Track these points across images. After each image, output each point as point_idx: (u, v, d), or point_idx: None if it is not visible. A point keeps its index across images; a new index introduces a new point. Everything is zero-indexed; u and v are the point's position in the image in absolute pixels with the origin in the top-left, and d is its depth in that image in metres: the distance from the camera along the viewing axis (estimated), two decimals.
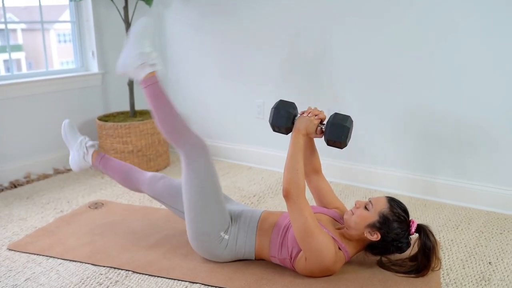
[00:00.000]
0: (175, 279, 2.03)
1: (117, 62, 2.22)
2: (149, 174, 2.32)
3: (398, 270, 2.01)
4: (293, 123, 2.05)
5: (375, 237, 1.92)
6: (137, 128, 3.34)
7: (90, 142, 2.43)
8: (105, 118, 3.54)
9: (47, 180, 3.33)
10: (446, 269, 2.09)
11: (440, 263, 2.01)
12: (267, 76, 3.42)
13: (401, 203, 1.98)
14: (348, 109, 3.03)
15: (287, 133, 2.09)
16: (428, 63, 2.77)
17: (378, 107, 3.00)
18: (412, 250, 2.00)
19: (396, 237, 1.92)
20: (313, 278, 1.97)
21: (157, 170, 3.49)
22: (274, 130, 2.11)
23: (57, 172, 3.48)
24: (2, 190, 3.12)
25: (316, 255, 1.89)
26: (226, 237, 2.06)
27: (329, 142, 2.00)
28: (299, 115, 2.05)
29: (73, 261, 2.20)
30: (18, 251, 2.30)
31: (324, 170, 2.29)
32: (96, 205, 2.85)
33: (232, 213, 2.15)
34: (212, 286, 1.97)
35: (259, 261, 2.12)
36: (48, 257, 2.24)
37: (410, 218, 1.96)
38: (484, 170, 2.72)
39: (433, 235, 1.95)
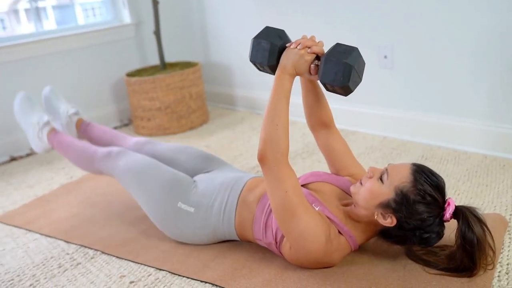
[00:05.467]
0: (141, 264, 1.65)
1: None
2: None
3: (431, 262, 1.41)
4: (279, 59, 1.50)
5: (389, 221, 1.35)
6: (163, 82, 2.96)
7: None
8: (135, 73, 3.21)
9: None
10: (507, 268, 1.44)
11: (493, 261, 1.36)
12: None
13: (433, 174, 1.35)
14: (400, 35, 2.35)
15: (274, 73, 1.54)
16: None
17: (446, 31, 2.27)
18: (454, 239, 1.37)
19: (420, 225, 1.32)
20: (308, 269, 1.46)
21: (190, 129, 3.11)
22: (258, 70, 1.57)
23: None
24: (22, 157, 2.94)
25: (299, 243, 1.37)
26: (191, 209, 1.62)
27: (327, 87, 1.43)
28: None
29: (49, 236, 1.92)
30: (4, 223, 2.08)
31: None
32: None
33: (212, 180, 1.70)
34: (179, 275, 1.56)
35: (249, 243, 1.65)
36: (28, 231, 1.99)
37: (446, 198, 1.35)
38: None
39: (480, 223, 1.31)
